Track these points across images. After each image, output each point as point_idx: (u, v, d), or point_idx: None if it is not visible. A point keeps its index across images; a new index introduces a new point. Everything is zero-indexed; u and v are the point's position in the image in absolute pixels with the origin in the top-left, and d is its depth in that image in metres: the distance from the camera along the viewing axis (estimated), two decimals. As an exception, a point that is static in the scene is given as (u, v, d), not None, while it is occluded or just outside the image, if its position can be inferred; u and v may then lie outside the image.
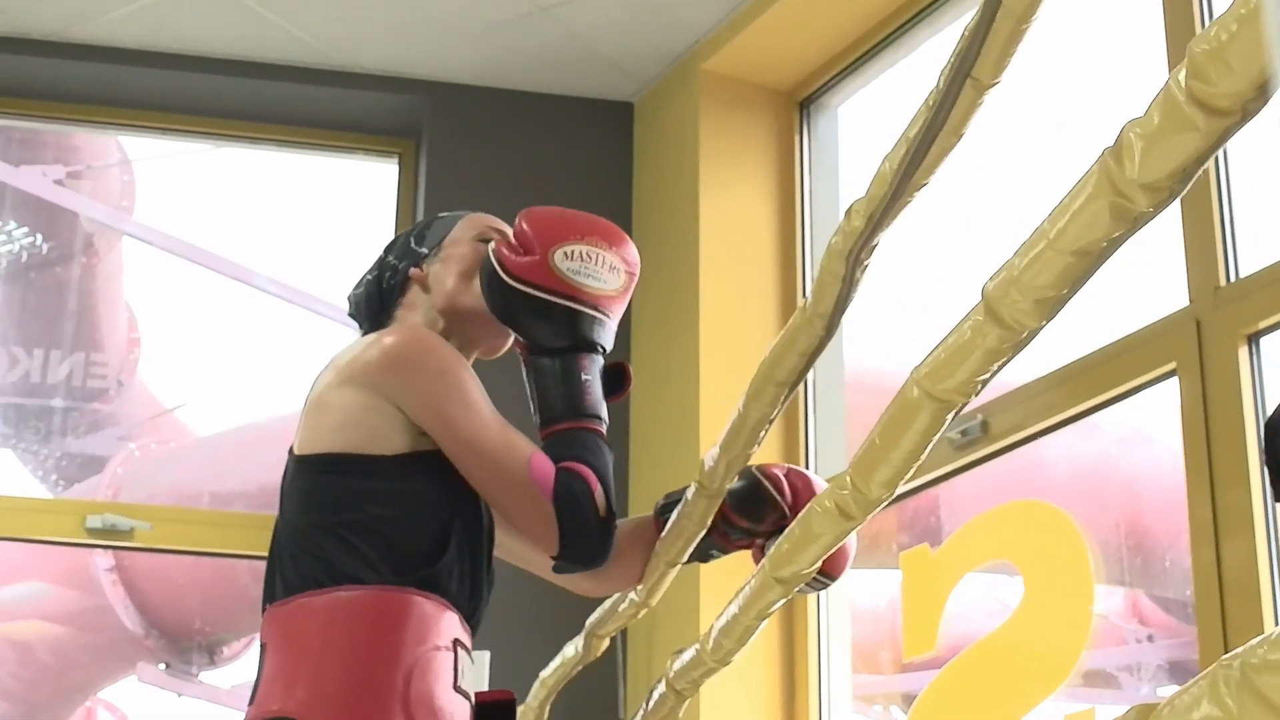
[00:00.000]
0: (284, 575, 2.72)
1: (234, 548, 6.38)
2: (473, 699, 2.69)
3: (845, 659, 5.53)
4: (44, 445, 9.12)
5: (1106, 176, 1.28)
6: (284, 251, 9.41)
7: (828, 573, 2.83)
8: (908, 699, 7.36)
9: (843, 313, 2.02)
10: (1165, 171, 1.24)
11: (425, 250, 2.98)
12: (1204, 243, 4.16)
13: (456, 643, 2.67)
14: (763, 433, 2.39)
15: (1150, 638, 7.20)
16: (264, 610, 2.74)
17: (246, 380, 9.66)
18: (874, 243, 1.86)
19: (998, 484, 5.79)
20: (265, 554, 6.26)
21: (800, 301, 5.76)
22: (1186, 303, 4.18)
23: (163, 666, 9.69)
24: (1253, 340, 4.01)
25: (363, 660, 2.57)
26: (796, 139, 6.06)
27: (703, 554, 3.00)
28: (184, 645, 9.68)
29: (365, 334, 2.96)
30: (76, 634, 9.81)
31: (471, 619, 2.77)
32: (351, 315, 3.05)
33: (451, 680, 2.63)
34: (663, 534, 2.89)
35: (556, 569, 2.74)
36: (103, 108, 6.54)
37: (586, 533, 2.64)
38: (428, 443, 2.74)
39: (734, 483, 2.86)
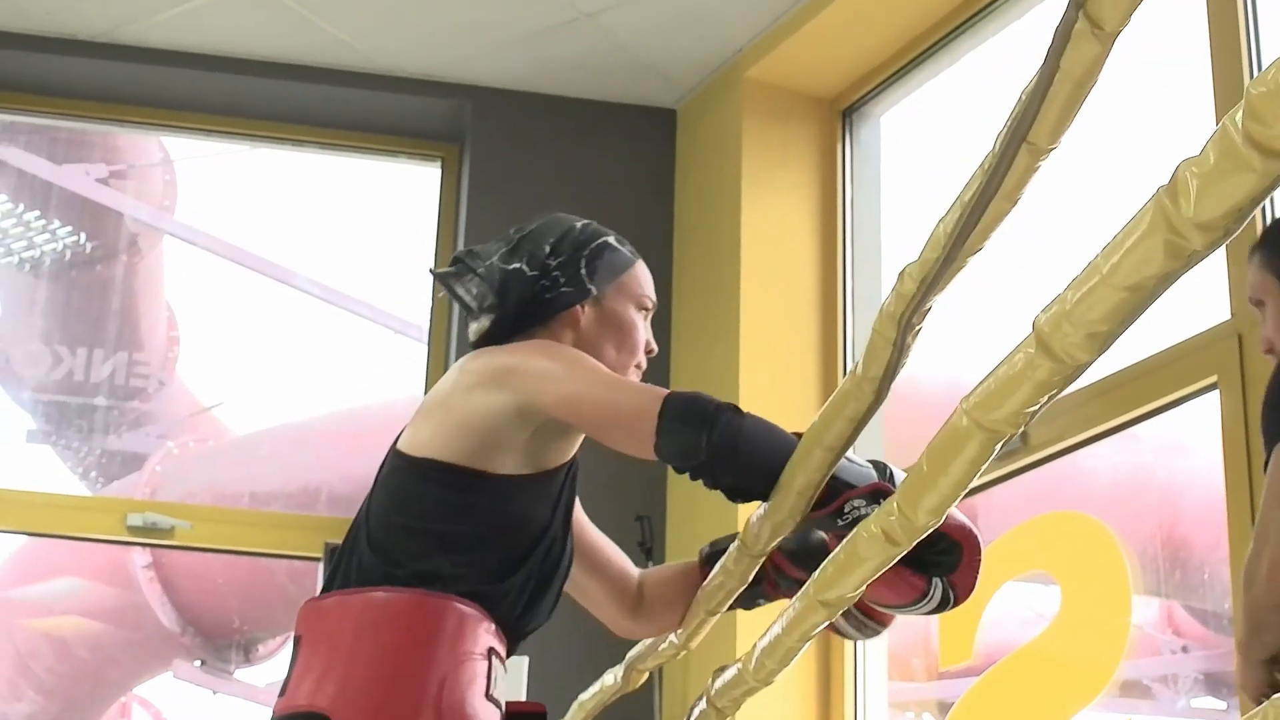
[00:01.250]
0: (346, 568, 2.71)
1: (274, 547, 6.40)
2: (504, 708, 2.69)
3: (881, 666, 5.53)
4: (85, 443, 9.16)
5: (1162, 214, 1.28)
6: (325, 253, 9.43)
7: (880, 619, 2.85)
8: (942, 707, 7.35)
9: (893, 378, 2.01)
10: (1220, 211, 1.24)
11: (594, 290, 2.87)
12: (1247, 256, 4.15)
13: (491, 651, 2.66)
14: (811, 494, 2.38)
15: (1185, 649, 7.19)
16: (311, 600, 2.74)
17: (285, 380, 9.69)
18: (926, 307, 1.85)
19: (1036, 494, 5.79)
20: (304, 554, 6.27)
21: (840, 311, 5.77)
22: (1229, 316, 4.17)
23: (198, 663, 9.74)
24: (1295, 355, 4.00)
25: (397, 662, 2.57)
26: (838, 148, 6.06)
27: (748, 602, 2.98)
28: (220, 643, 9.72)
29: (488, 321, 2.84)
30: (113, 630, 9.86)
31: (513, 634, 2.75)
32: (477, 273, 2.86)
33: (485, 689, 2.62)
34: (705, 585, 2.87)
35: (659, 448, 2.51)
36: (148, 109, 6.56)
37: (692, 403, 2.50)
38: (538, 465, 2.72)
39: (791, 538, 2.83)
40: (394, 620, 2.61)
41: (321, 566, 5.66)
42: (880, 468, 2.50)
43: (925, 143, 6.41)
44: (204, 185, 9.37)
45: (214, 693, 9.75)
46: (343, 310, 9.27)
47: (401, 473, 2.74)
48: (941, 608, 2.50)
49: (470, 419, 2.67)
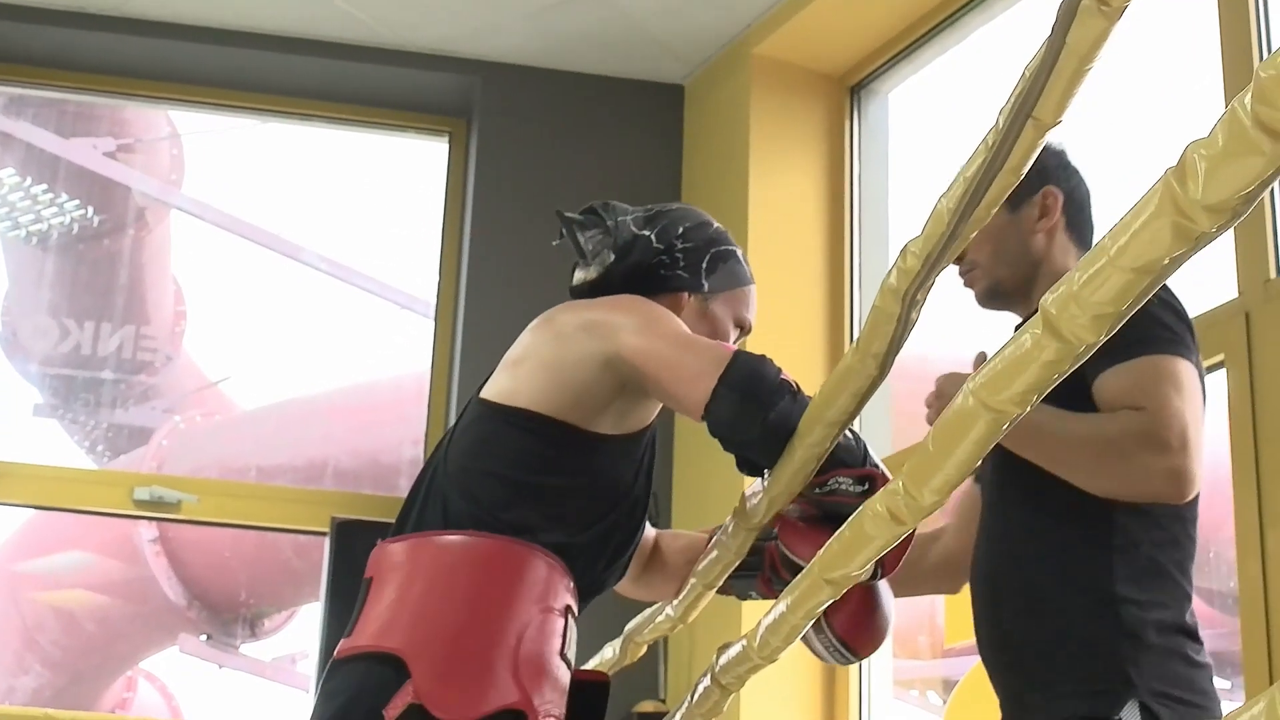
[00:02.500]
0: (424, 511, 2.70)
1: (281, 522, 6.41)
2: (571, 670, 2.68)
3: (886, 643, 5.52)
4: (91, 416, 9.17)
5: (1169, 197, 1.28)
6: (332, 228, 9.43)
7: (854, 648, 2.85)
8: (947, 685, 7.36)
9: (896, 353, 2.01)
10: (1228, 194, 1.24)
11: (706, 287, 2.89)
12: (1255, 236, 4.15)
13: (568, 609, 2.66)
14: (811, 470, 2.38)
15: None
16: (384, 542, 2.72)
17: (292, 355, 9.70)
18: (929, 282, 1.85)
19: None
20: (311, 528, 6.27)
21: (850, 293, 5.76)
22: (1236, 295, 4.17)
23: (204, 638, 9.75)
24: (1302, 334, 4.00)
25: (478, 606, 2.56)
26: (847, 125, 6.05)
27: (742, 593, 3.00)
28: (226, 617, 9.73)
29: (596, 273, 2.88)
30: (120, 604, 9.88)
31: (586, 595, 2.75)
32: (607, 228, 2.89)
33: (560, 647, 2.62)
34: (702, 558, 2.88)
35: (708, 410, 2.50)
36: (156, 82, 6.56)
37: (754, 379, 2.48)
38: (624, 427, 2.73)
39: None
40: (475, 565, 2.60)
41: (328, 541, 5.67)
42: (858, 439, 2.50)
43: (933, 120, 6.41)
44: (211, 160, 9.37)
45: (220, 667, 9.76)
46: (349, 285, 9.29)
47: (490, 421, 2.74)
48: (871, 579, 2.52)
49: (563, 370, 2.69)
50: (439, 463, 2.77)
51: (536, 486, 2.67)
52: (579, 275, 2.91)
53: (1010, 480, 3.01)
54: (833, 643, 2.84)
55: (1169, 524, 2.87)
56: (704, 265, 2.90)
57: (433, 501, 2.71)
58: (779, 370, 2.52)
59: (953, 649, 5.86)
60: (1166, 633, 2.80)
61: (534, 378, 2.71)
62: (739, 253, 2.99)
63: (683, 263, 2.89)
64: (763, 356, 2.56)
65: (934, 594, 3.48)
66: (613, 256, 2.87)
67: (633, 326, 2.66)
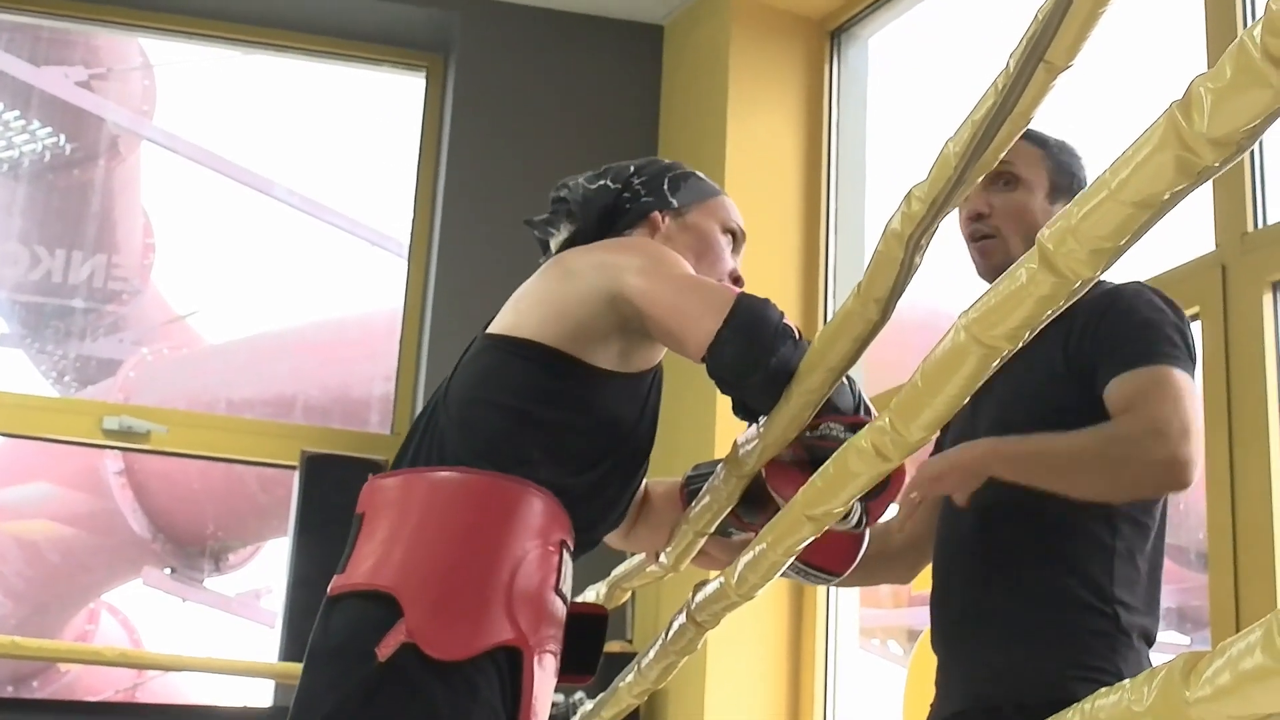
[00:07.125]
0: (420, 447, 2.69)
1: (250, 454, 6.38)
2: (568, 604, 2.67)
3: (854, 592, 5.54)
4: (59, 346, 9.13)
5: (1174, 129, 1.27)
6: (305, 163, 9.39)
7: (831, 569, 2.81)
8: (910, 634, 7.38)
9: (898, 298, 1.99)
10: (1234, 127, 1.22)
11: (675, 203, 2.92)
12: (1233, 189, 4.14)
13: (563, 544, 2.64)
14: (807, 416, 2.36)
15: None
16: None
17: (261, 290, 9.66)
18: (934, 228, 1.83)
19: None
20: (281, 461, 6.25)
21: (825, 222, 5.75)
22: (1213, 248, 4.17)
23: (168, 571, 9.73)
24: (1278, 287, 4.00)
25: (469, 543, 2.54)
26: (826, 68, 6.04)
27: (722, 530, 2.98)
28: (190, 550, 9.71)
29: (569, 236, 2.91)
30: (85, 536, 9.85)
31: (584, 536, 2.74)
32: (565, 199, 2.93)
33: (554, 581, 2.60)
34: (693, 507, 2.86)
35: (712, 351, 2.49)
36: (129, 9, 6.51)
37: (757, 325, 2.48)
38: (628, 365, 2.72)
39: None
40: (468, 501, 2.59)
41: (297, 474, 5.65)
42: (853, 387, 2.48)
43: (913, 65, 6.39)
44: (183, 91, 9.31)
45: (184, 600, 9.75)
46: (321, 221, 9.26)
47: (495, 352, 2.74)
48: (855, 528, 2.54)
49: (566, 305, 2.68)
50: (439, 399, 2.76)
51: (537, 418, 2.65)
52: (554, 241, 2.93)
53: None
54: (805, 570, 2.82)
55: (1154, 535, 2.92)
56: (665, 185, 2.94)
57: (430, 438, 2.70)
58: (781, 315, 2.51)
59: (917, 597, 5.85)
60: (1141, 639, 2.83)
61: (536, 311, 2.71)
62: (698, 173, 3.01)
63: (643, 191, 2.92)
64: (766, 300, 2.55)
65: (890, 583, 3.46)
66: (578, 212, 2.91)
67: (637, 267, 2.66)
